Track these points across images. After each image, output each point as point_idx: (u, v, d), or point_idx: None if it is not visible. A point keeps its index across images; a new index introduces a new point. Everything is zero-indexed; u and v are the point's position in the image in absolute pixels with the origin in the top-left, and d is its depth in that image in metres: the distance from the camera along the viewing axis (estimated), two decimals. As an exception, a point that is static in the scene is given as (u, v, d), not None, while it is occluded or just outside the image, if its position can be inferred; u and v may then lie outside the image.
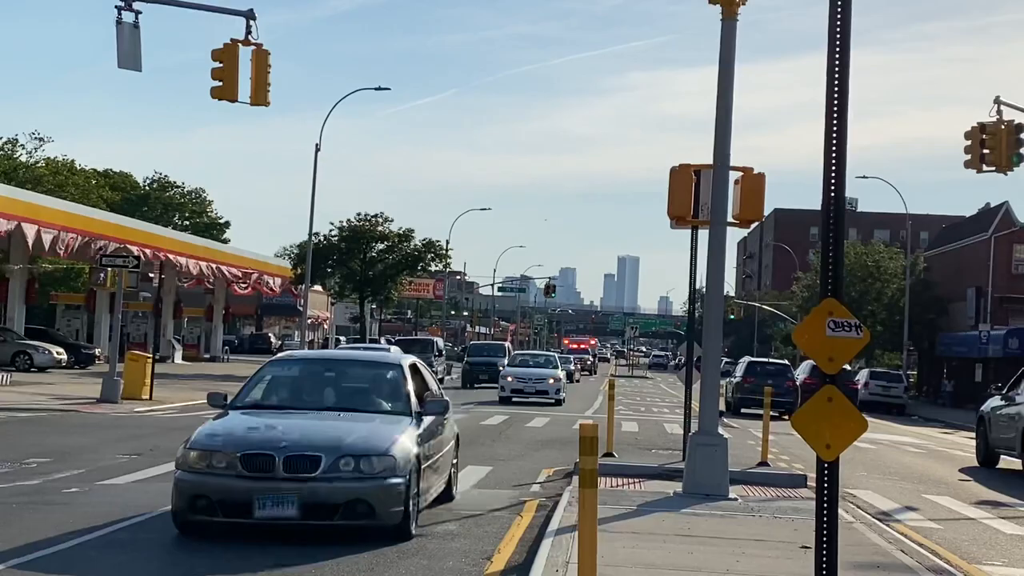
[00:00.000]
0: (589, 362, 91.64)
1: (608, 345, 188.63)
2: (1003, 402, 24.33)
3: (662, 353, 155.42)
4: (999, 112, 28.78)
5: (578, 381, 67.50)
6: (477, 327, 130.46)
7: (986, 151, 28.30)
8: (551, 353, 46.92)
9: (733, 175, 16.45)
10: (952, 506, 17.45)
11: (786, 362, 48.70)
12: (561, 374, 42.25)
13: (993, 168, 28.34)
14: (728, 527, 12.79)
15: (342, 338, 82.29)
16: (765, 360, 49.07)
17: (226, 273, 62.55)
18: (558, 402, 39.73)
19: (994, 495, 19.47)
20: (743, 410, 40.18)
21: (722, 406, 28.80)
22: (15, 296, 49.53)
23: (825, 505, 7.60)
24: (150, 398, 31.34)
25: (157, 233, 56.73)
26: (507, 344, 69.16)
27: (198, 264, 58.13)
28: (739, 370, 43.93)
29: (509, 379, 40.48)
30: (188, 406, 31.45)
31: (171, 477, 11.54)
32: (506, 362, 49.09)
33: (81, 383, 37.25)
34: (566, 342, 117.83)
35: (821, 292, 7.78)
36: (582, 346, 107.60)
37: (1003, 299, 66.14)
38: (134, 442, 20.63)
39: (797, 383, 41.81)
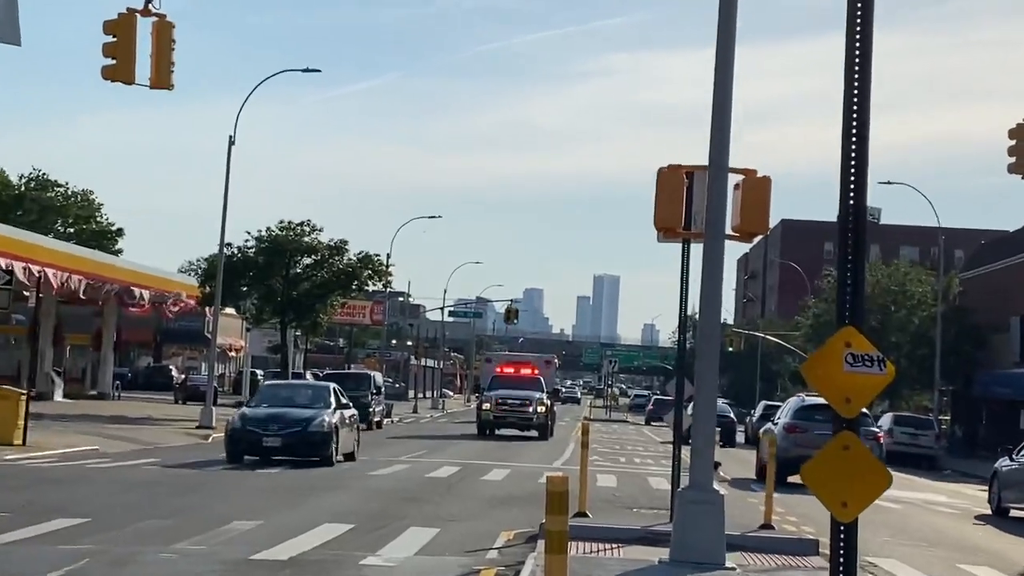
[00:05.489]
0: (533, 410, 54.70)
1: (580, 382, 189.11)
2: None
3: (645, 392, 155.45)
4: (1050, 107, 29.07)
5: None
6: (423, 359, 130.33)
7: (1035, 153, 28.58)
8: None
9: (732, 179, 16.53)
10: (992, 578, 17.57)
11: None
12: None
13: (1043, 173, 28.63)
14: (724, 602, 12.80)
15: (260, 371, 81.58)
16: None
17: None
18: None
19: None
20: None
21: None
22: None
23: (841, 576, 7.64)
24: (23, 444, 31.03)
25: (34, 243, 56.30)
26: (373, 374, 60.24)
27: (81, 280, 57.66)
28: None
29: None
30: (70, 453, 31.19)
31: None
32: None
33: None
34: (498, 369, 66.64)
35: (837, 320, 7.83)
36: (521, 372, 62.86)
37: (1054, 330, 66.78)
38: (3, 496, 20.40)
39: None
